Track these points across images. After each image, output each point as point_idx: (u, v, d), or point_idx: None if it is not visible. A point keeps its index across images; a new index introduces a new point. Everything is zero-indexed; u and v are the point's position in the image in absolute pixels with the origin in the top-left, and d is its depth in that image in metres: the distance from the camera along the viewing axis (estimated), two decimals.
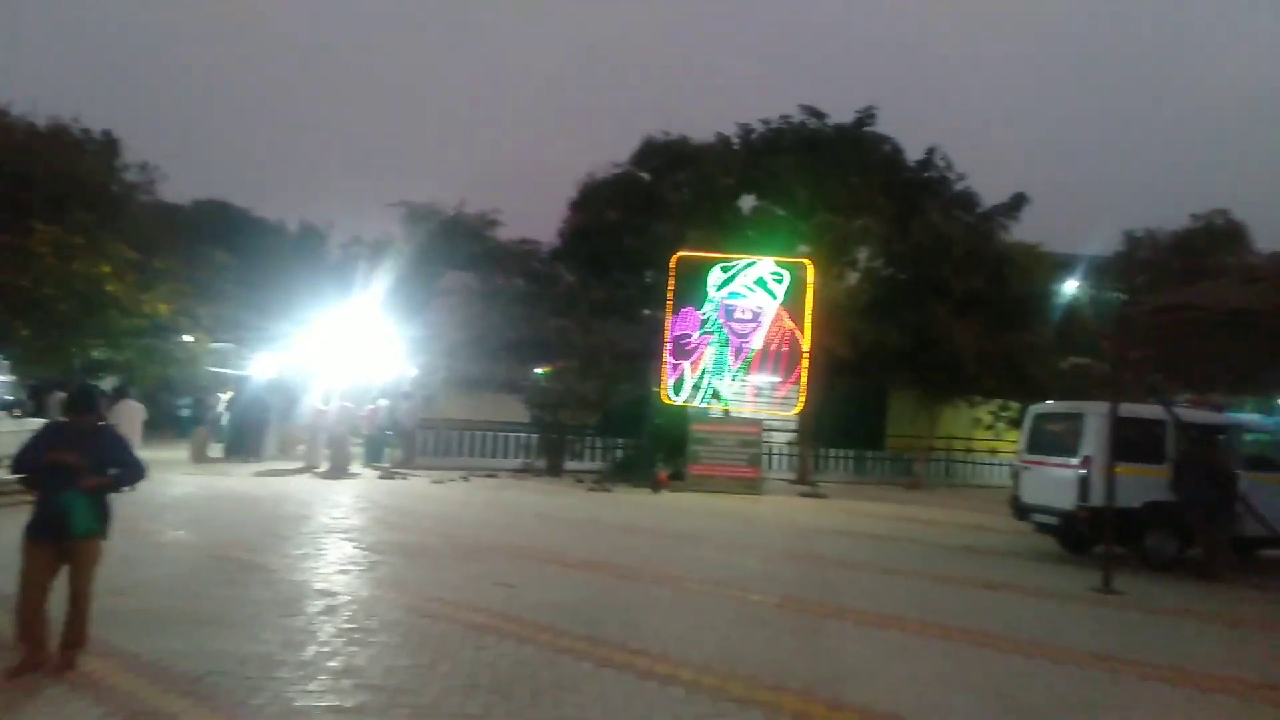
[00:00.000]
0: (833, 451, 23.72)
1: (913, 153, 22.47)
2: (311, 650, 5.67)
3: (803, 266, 19.53)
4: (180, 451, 19.43)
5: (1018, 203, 22.30)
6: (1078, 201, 70.25)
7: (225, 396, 21.37)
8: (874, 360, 20.96)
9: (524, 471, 20.17)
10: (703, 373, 19.30)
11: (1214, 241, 31.80)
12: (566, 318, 22.56)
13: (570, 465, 20.72)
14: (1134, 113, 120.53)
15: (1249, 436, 12.10)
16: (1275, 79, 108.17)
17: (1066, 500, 11.00)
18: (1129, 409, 10.47)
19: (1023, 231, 22.90)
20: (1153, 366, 10.67)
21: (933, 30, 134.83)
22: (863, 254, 21.77)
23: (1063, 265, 24.96)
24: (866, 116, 22.10)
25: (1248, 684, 6.03)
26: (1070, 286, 25.42)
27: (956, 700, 5.38)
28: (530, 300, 24.88)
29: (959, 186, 22.47)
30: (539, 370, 22.74)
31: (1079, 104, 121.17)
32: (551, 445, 20.79)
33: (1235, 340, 10.12)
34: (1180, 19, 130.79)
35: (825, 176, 20.92)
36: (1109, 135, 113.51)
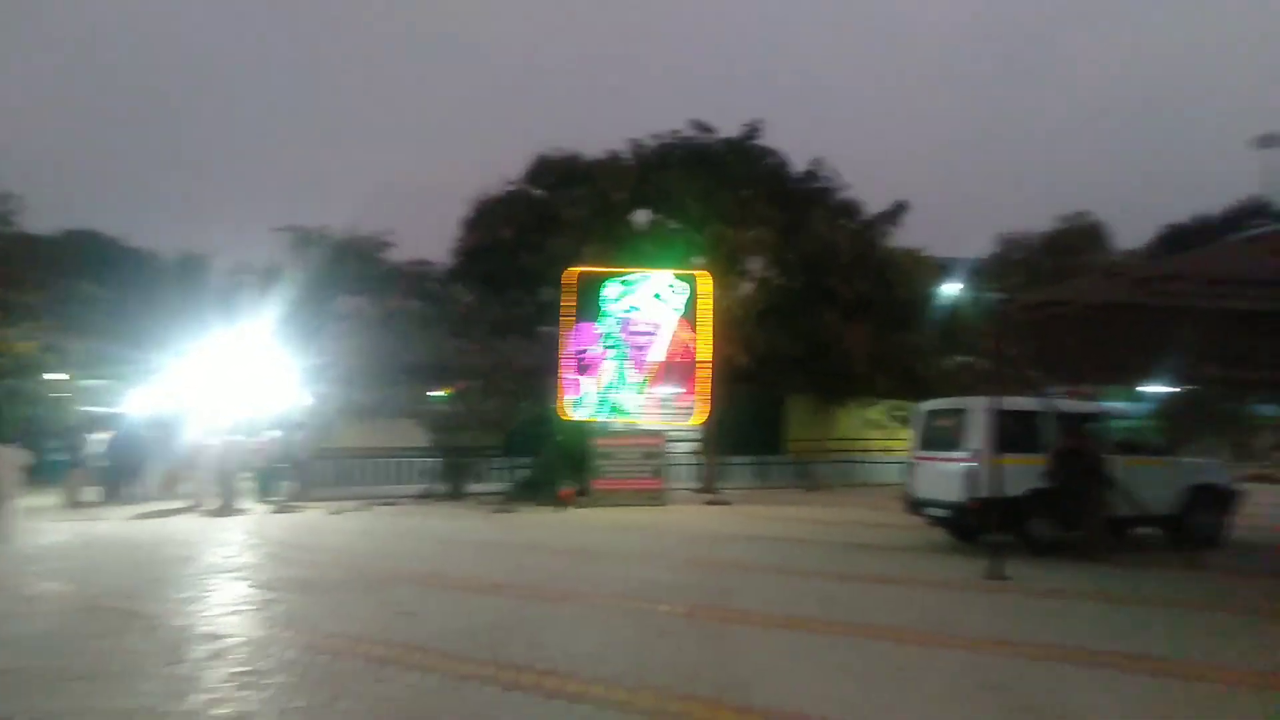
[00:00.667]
0: (735, 459, 24.02)
1: (797, 164, 23.15)
2: (199, 699, 5.38)
3: (698, 278, 19.80)
4: (53, 497, 18.23)
5: (898, 210, 23.18)
6: (955, 207, 73.63)
7: (103, 436, 20.14)
8: (770, 367, 21.40)
9: (426, 497, 19.73)
10: (605, 387, 19.28)
11: (1080, 240, 33.91)
12: (464, 338, 22.23)
13: (473, 488, 20.37)
14: (1001, 119, 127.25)
15: (1118, 423, 12.82)
16: (1129, 87, 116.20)
17: (956, 493, 11.42)
18: (1010, 402, 10.99)
19: (905, 237, 23.84)
20: (1029, 361, 11.21)
21: (810, 45, 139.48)
22: (755, 264, 22.23)
23: (943, 268, 26.04)
24: (753, 130, 22.63)
25: (1127, 656, 6.38)
26: (951, 288, 26.56)
27: (858, 693, 5.51)
28: (427, 322, 24.44)
29: (842, 196, 23.23)
30: (439, 393, 22.31)
31: (950, 113, 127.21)
32: (453, 469, 20.39)
33: (1100, 332, 10.74)
34: (1044, 29, 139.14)
35: (716, 189, 21.31)
36: (979, 142, 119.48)
